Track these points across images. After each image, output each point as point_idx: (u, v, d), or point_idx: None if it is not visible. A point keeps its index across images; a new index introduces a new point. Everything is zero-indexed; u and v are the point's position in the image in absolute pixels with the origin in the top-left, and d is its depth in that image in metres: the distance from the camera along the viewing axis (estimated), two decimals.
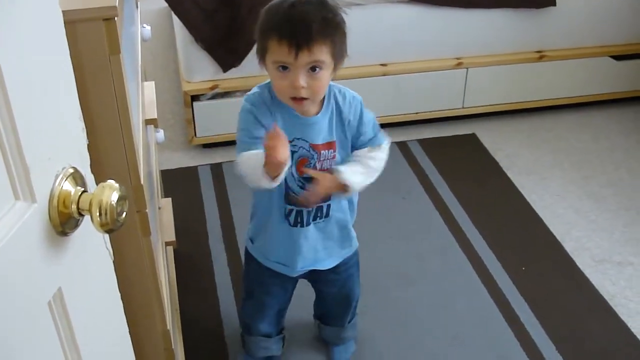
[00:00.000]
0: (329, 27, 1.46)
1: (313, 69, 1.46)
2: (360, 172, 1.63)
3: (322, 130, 1.59)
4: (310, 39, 1.42)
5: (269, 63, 1.49)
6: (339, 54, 1.50)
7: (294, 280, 1.86)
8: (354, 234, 1.83)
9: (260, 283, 1.84)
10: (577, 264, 2.43)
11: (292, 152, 1.56)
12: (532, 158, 3.05)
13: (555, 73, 3.26)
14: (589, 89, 3.37)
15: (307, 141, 1.58)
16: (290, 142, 1.52)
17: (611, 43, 3.28)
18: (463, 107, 3.24)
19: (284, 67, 1.46)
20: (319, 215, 1.68)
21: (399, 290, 2.31)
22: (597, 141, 3.18)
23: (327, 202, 1.67)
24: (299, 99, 1.50)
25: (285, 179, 1.59)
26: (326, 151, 1.60)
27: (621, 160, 3.04)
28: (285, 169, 1.46)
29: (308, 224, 1.68)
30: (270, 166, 1.43)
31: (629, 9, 3.21)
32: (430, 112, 3.21)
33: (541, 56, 3.20)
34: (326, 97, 1.59)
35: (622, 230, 2.61)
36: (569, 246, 2.52)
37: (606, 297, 2.29)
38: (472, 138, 3.17)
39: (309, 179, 1.60)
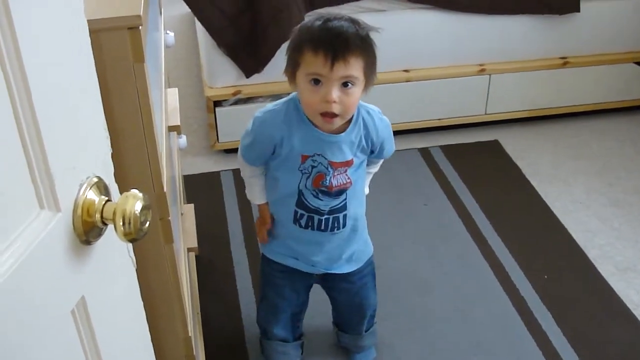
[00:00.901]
0: (364, 43, 1.47)
1: (345, 84, 1.46)
2: (369, 180, 1.83)
3: (343, 149, 1.60)
4: (348, 50, 1.43)
5: (300, 77, 1.49)
6: (370, 73, 1.51)
7: (307, 284, 1.87)
8: (369, 239, 1.84)
9: (273, 285, 1.85)
10: (601, 272, 2.41)
11: (311, 167, 1.59)
12: (556, 165, 3.02)
13: (579, 79, 3.23)
14: (613, 95, 3.33)
15: (326, 159, 1.59)
16: (310, 156, 1.58)
17: (635, 49, 3.25)
18: (486, 114, 3.23)
19: (317, 82, 1.46)
20: (336, 226, 1.69)
21: (419, 297, 2.30)
22: (622, 148, 3.15)
23: (344, 213, 1.68)
24: (329, 116, 1.49)
25: (300, 189, 1.63)
26: (342, 167, 1.61)
27: None
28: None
29: (325, 230, 1.69)
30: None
31: None
32: (452, 118, 3.20)
33: (565, 62, 3.18)
34: (354, 117, 1.59)
35: None
36: (592, 254, 2.49)
37: (630, 306, 2.27)
38: (495, 145, 3.15)
39: (324, 190, 1.62)
